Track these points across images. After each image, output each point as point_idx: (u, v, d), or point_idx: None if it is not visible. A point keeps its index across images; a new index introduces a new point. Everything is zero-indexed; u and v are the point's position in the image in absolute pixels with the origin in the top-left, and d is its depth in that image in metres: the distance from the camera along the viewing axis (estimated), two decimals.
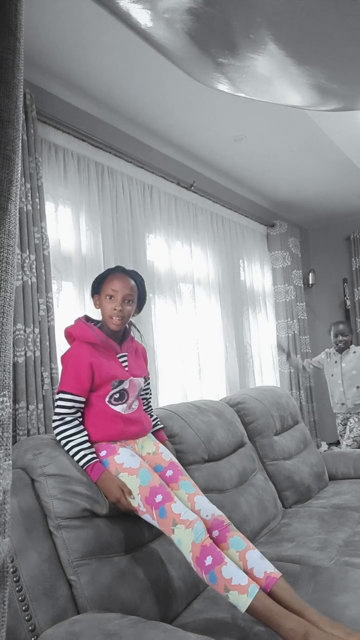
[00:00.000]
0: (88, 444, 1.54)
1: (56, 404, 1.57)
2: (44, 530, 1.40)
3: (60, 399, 1.56)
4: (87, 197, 2.50)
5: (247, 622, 1.41)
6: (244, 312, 3.90)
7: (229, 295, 3.68)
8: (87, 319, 1.70)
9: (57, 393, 1.58)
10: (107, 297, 1.62)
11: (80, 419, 1.59)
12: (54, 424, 1.56)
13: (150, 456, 1.64)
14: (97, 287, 1.68)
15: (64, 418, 1.55)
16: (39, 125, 2.21)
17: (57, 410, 1.56)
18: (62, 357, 1.64)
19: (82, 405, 1.59)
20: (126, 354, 1.68)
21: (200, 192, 3.39)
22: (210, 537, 1.47)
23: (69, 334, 1.65)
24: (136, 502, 1.48)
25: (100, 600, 1.37)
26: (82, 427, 1.57)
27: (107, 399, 1.60)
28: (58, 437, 1.54)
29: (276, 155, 3.47)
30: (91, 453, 1.52)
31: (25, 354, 1.93)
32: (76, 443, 1.52)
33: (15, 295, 1.09)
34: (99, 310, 1.67)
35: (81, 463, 1.51)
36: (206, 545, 1.37)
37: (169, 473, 1.61)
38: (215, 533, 1.50)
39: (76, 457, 1.51)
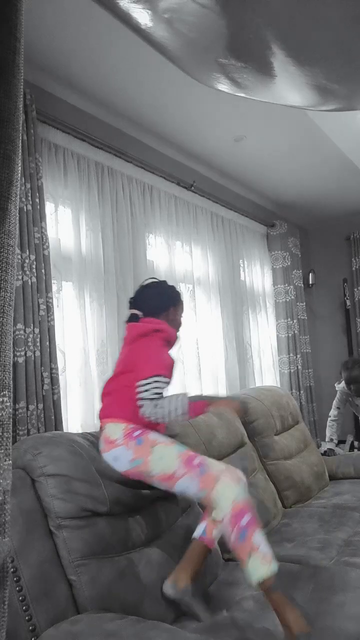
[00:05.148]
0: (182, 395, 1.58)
1: (153, 384, 1.56)
2: (44, 530, 1.40)
3: (157, 381, 1.57)
4: (87, 197, 2.49)
5: (247, 621, 1.41)
6: (244, 312, 3.90)
7: (229, 295, 3.67)
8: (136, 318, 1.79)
9: (152, 376, 1.58)
10: (182, 312, 1.91)
11: None
12: (153, 402, 1.53)
13: None
14: (177, 302, 1.88)
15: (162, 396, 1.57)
16: (39, 125, 2.20)
17: (155, 390, 1.55)
18: (151, 346, 1.68)
19: None
20: None
21: (200, 192, 3.39)
22: (211, 537, 1.47)
23: (155, 329, 1.72)
24: (173, 468, 1.48)
25: (100, 600, 1.37)
26: None
27: None
28: (159, 412, 1.52)
29: (276, 155, 3.47)
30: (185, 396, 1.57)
31: (25, 354, 1.93)
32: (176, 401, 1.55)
33: (15, 295, 1.09)
34: (166, 318, 1.80)
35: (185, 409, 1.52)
36: (246, 507, 1.40)
37: None
38: None
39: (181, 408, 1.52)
